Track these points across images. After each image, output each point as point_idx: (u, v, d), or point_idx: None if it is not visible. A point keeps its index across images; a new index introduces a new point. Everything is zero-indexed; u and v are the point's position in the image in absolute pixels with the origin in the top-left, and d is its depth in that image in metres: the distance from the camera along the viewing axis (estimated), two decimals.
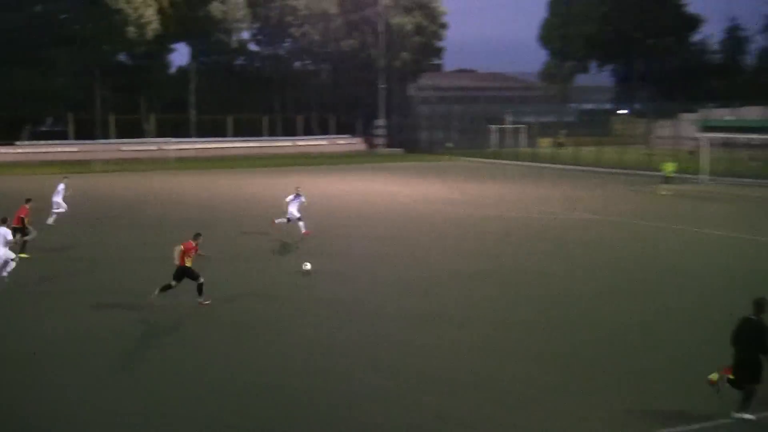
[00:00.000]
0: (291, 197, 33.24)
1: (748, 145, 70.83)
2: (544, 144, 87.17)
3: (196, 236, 22.50)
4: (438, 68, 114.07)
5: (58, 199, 36.63)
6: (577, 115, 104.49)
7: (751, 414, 14.17)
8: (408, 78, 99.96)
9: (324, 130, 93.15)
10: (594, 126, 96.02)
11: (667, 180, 52.66)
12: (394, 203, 45.83)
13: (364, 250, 30.83)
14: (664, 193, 50.09)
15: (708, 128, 71.52)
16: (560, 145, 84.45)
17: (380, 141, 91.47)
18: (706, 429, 14.13)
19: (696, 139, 64.73)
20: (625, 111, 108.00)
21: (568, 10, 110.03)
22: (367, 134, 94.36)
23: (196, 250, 22.02)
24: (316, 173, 64.86)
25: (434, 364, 17.38)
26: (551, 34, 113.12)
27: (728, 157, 63.15)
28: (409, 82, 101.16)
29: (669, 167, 53.72)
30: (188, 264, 21.77)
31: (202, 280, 21.90)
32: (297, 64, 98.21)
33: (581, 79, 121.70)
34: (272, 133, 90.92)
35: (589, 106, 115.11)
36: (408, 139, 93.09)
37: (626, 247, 31.76)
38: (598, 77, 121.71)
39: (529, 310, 21.85)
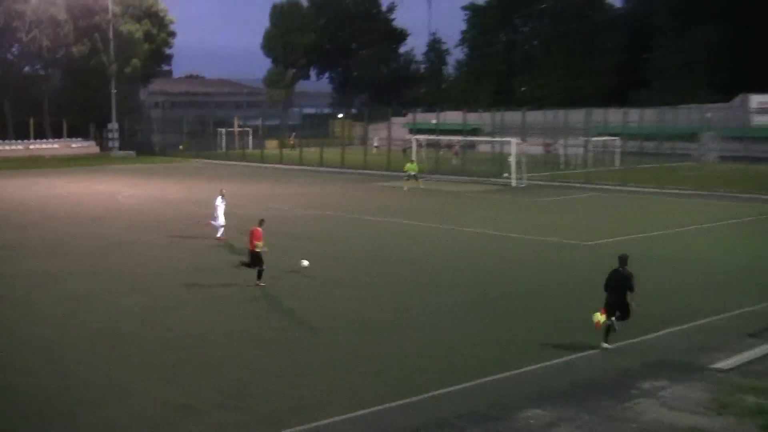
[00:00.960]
0: (219, 200, 33.38)
1: (449, 146, 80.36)
2: (272, 146, 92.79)
3: (261, 222, 24.98)
4: (168, 74, 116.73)
5: None
6: (300, 118, 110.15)
7: (608, 344, 18.46)
8: (139, 83, 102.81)
9: (57, 134, 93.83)
10: (316, 128, 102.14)
11: (411, 177, 57.15)
12: (127, 203, 46.89)
13: (85, 250, 31.96)
14: (406, 188, 55.25)
15: (416, 131, 78.19)
16: (292, 146, 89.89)
17: (113, 144, 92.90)
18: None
19: (408, 140, 72.33)
20: (342, 115, 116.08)
21: (289, 21, 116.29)
22: (100, 137, 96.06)
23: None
24: (48, 175, 65.04)
25: (167, 355, 18.36)
26: (274, 43, 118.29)
27: (434, 157, 71.19)
28: (140, 87, 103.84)
29: (413, 167, 58.42)
30: (258, 249, 24.21)
31: (263, 266, 24.32)
32: (27, 68, 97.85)
33: (303, 85, 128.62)
34: (2, 136, 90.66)
35: (311, 110, 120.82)
36: (141, 142, 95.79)
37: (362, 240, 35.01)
38: (318, 84, 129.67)
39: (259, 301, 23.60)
